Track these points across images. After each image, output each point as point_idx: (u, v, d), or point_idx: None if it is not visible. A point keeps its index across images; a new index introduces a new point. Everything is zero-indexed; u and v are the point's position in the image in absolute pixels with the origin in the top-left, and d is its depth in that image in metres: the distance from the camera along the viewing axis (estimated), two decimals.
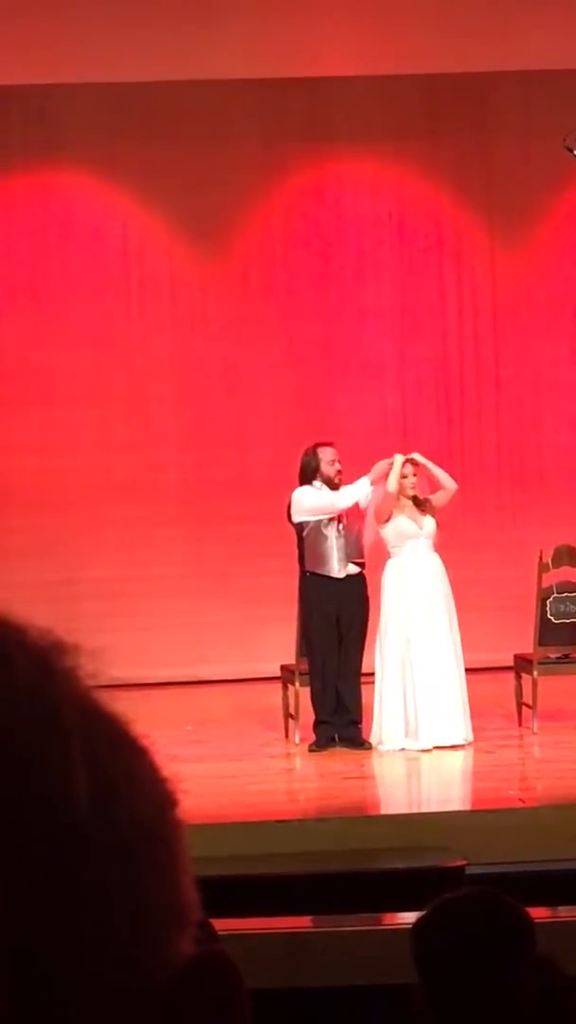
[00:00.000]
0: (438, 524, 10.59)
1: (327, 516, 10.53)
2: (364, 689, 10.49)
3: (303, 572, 10.61)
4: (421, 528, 10.49)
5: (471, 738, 10.32)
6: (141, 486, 13.77)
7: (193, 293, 14.02)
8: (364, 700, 10.46)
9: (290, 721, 10.74)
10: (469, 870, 6.56)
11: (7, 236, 13.90)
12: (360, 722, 10.40)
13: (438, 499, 10.66)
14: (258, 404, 13.97)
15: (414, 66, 13.52)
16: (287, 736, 10.73)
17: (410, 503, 10.55)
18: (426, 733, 10.21)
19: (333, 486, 10.59)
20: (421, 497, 10.61)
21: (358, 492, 10.54)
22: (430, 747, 10.20)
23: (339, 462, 10.67)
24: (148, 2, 12.15)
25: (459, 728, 10.25)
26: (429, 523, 10.53)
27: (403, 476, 10.57)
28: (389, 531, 10.51)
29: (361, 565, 10.56)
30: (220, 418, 13.94)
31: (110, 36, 12.81)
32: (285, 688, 10.90)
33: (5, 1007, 0.68)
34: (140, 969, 0.71)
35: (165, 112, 13.80)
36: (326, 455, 10.66)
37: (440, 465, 10.93)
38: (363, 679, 10.53)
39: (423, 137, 13.97)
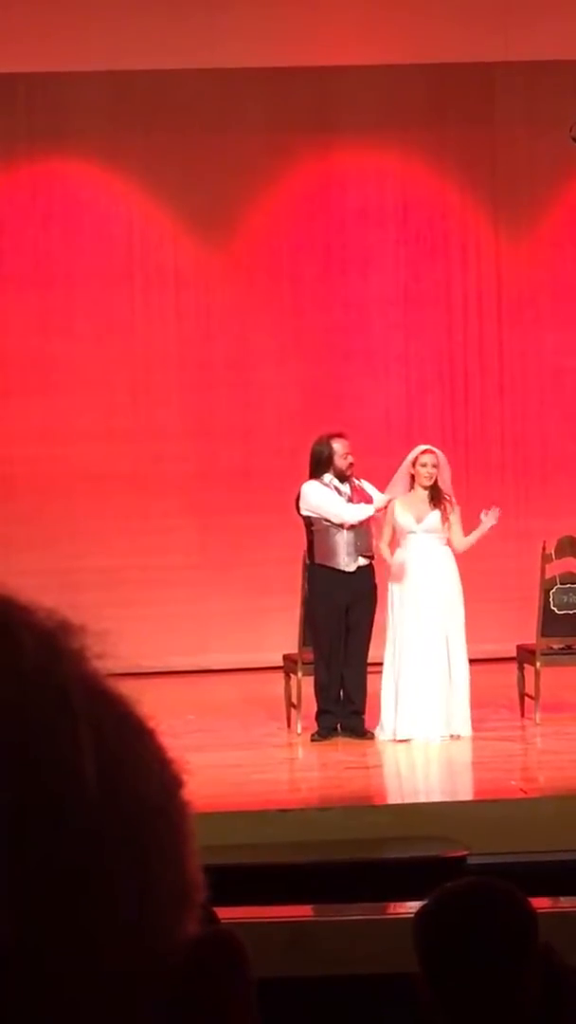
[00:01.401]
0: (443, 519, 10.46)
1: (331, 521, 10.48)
2: (371, 680, 10.50)
3: (311, 563, 10.59)
4: (419, 523, 10.42)
5: (463, 733, 10.26)
6: (144, 476, 13.78)
7: (197, 283, 14.01)
8: (371, 690, 10.47)
9: (292, 710, 10.75)
10: (471, 860, 6.57)
11: (11, 224, 13.90)
12: (363, 712, 10.41)
13: (454, 533, 10.48)
14: (262, 395, 13.96)
15: (420, 56, 13.50)
16: (289, 725, 10.74)
17: (421, 496, 10.47)
18: (403, 725, 10.23)
19: (344, 478, 10.56)
20: (445, 493, 10.47)
21: (365, 513, 10.47)
22: (407, 739, 10.19)
23: (351, 454, 10.62)
24: None
25: (438, 723, 10.22)
26: (431, 518, 10.44)
27: (422, 465, 10.51)
28: (395, 523, 10.51)
29: (370, 558, 10.53)
30: (224, 408, 13.94)
31: (115, 24, 12.80)
32: (288, 678, 10.91)
33: (10, 989, 0.68)
34: (146, 949, 0.71)
35: (170, 101, 13.78)
36: (339, 447, 10.61)
37: (445, 454, 10.87)
38: (371, 670, 10.54)
39: (429, 127, 13.95)
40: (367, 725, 10.40)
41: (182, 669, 12.98)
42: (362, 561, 10.49)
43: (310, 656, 10.67)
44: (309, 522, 10.59)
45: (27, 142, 13.78)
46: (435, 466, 10.50)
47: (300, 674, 10.69)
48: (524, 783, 9.06)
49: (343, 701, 10.45)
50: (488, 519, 10.50)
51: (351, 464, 10.57)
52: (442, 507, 10.44)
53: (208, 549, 13.74)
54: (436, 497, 10.45)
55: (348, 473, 10.56)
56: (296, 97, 13.86)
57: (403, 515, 10.45)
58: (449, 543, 10.54)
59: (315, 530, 10.55)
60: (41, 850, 0.69)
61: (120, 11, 12.84)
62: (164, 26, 12.95)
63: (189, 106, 13.80)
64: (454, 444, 13.55)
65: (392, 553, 10.53)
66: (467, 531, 10.59)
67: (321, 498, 10.52)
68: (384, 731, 10.33)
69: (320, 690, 10.47)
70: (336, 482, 10.57)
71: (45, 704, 0.70)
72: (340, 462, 10.57)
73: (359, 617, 10.44)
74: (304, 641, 10.76)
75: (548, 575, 11.07)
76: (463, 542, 10.47)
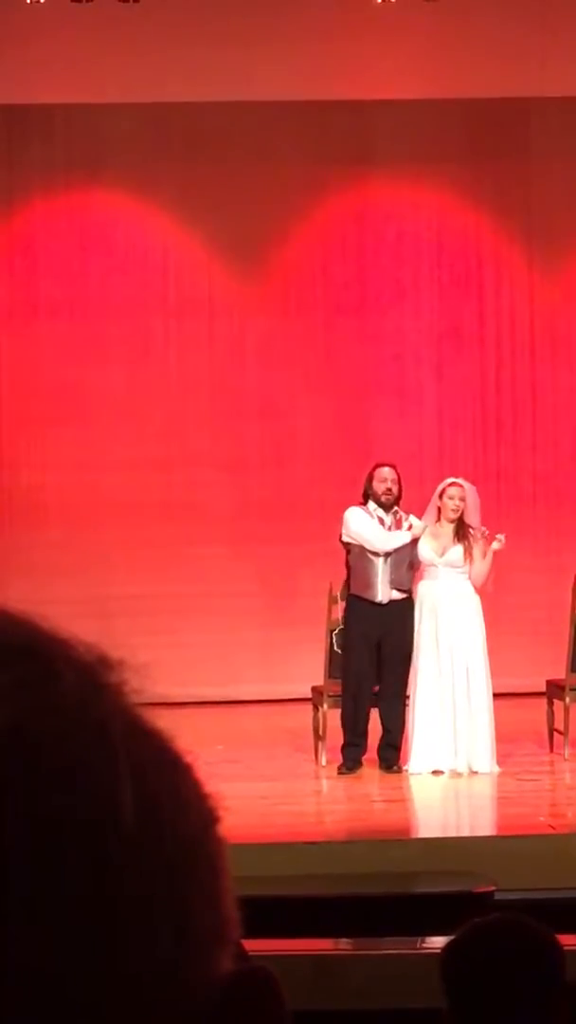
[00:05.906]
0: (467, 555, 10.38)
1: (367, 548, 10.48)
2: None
3: (349, 594, 10.60)
4: (440, 556, 10.38)
5: (483, 769, 10.18)
6: (176, 505, 13.79)
7: (231, 313, 14.04)
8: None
9: (319, 743, 10.73)
10: (498, 896, 6.54)
11: (48, 253, 13.96)
12: (399, 746, 10.38)
13: (477, 567, 10.44)
14: (294, 425, 13.98)
15: (456, 90, 13.53)
16: (316, 758, 10.72)
17: (447, 530, 10.42)
18: (417, 758, 10.21)
19: (385, 507, 10.57)
20: (471, 528, 10.39)
21: (400, 540, 10.46)
22: (420, 772, 10.17)
23: (395, 483, 10.59)
24: (191, 23, 12.20)
25: (451, 756, 10.18)
26: (454, 552, 10.36)
27: (448, 498, 10.47)
28: (418, 554, 10.50)
29: (406, 592, 10.50)
30: (256, 438, 13.95)
31: (153, 56, 12.87)
32: (315, 709, 10.89)
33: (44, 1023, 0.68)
34: (182, 986, 0.71)
35: (206, 133, 13.84)
36: (379, 474, 10.67)
37: (477, 488, 10.84)
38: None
39: (464, 162, 13.97)
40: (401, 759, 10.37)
41: (211, 699, 12.97)
42: (396, 594, 10.46)
43: (336, 688, 10.66)
44: (348, 550, 10.59)
45: (64, 172, 13.85)
46: (462, 499, 10.43)
47: (325, 706, 10.67)
48: (552, 819, 9.02)
49: (383, 734, 10.41)
50: (494, 545, 10.40)
51: (388, 490, 10.56)
52: (466, 543, 10.36)
53: (239, 579, 13.73)
54: (461, 532, 10.38)
55: (384, 499, 10.55)
56: (332, 130, 13.90)
57: (426, 547, 10.42)
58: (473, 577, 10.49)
59: (352, 559, 10.55)
60: (79, 884, 0.69)
61: (157, 44, 12.90)
62: (201, 59, 13.01)
63: (225, 138, 13.85)
64: (486, 477, 13.53)
65: (416, 585, 10.52)
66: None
67: (360, 524, 10.55)
68: (411, 764, 10.31)
69: (346, 722, 10.44)
70: (381, 512, 10.56)
71: (84, 738, 0.71)
72: (377, 486, 10.60)
73: (392, 650, 10.41)
74: (330, 673, 10.74)
75: None
76: (475, 574, 10.38)
